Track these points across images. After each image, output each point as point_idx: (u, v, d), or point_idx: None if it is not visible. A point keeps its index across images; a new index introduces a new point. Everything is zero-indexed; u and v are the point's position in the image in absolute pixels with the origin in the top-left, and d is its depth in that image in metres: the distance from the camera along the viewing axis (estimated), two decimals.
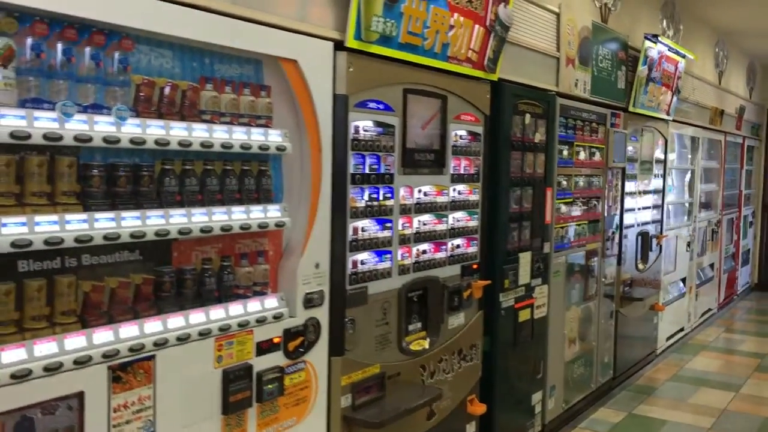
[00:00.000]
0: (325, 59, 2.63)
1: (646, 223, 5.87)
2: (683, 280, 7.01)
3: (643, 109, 5.58)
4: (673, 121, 6.39)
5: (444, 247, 3.36)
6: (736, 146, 9.04)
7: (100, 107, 1.96)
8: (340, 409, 2.75)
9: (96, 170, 1.98)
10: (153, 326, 2.09)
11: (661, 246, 6.14)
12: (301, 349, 2.56)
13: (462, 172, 3.47)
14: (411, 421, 3.06)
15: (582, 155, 4.67)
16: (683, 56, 6.11)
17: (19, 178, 1.81)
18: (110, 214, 1.97)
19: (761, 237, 9.98)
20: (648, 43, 5.37)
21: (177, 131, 2.14)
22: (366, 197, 2.86)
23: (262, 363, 2.41)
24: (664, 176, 6.24)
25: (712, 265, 7.99)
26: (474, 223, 3.56)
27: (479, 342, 3.64)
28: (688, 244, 7.08)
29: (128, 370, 2.00)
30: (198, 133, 2.19)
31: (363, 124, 2.83)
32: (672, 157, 6.67)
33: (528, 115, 3.98)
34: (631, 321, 5.59)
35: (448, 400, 3.39)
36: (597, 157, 4.89)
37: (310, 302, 2.59)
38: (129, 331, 2.03)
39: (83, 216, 1.90)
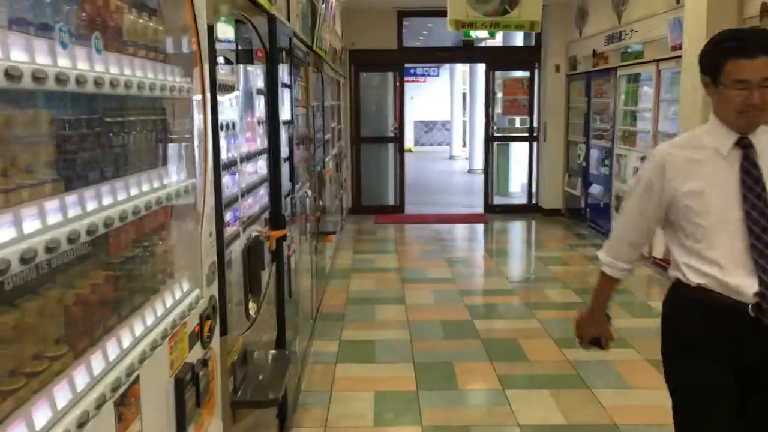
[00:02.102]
0: None
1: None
2: None
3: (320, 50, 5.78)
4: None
5: (258, 198, 3.08)
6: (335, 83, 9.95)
7: None
8: (228, 395, 2.39)
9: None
10: (127, 338, 1.52)
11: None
12: (209, 335, 2.14)
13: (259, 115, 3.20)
14: None
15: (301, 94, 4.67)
16: None
17: None
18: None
19: (352, 167, 11.27)
20: None
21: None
22: (227, 146, 2.46)
23: (193, 359, 1.95)
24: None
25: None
26: (264, 171, 3.32)
27: (274, 296, 3.47)
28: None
29: (126, 402, 1.44)
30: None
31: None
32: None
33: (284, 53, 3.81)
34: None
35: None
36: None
37: (210, 279, 2.16)
38: (113, 348, 1.45)
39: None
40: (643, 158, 7.79)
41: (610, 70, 8.80)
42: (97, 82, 1.38)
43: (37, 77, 1.17)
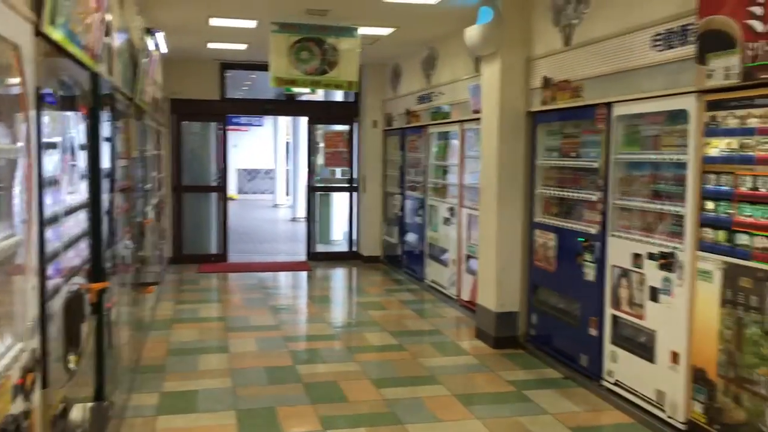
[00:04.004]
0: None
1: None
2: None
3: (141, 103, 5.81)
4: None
5: (79, 250, 3.10)
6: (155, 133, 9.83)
7: None
8: None
9: None
10: None
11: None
12: (32, 387, 2.17)
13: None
14: None
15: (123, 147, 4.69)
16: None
17: None
18: None
19: (173, 215, 11.09)
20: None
21: None
22: (50, 200, 2.51)
23: (16, 411, 1.98)
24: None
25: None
26: (85, 224, 3.35)
27: (93, 348, 3.46)
28: None
29: None
30: None
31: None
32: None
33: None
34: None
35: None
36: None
37: (32, 332, 2.20)
38: None
39: None
40: (451, 209, 8.50)
41: (422, 127, 9.53)
42: None
43: None
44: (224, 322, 7.48)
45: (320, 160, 12.19)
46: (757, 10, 3.69)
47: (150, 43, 5.70)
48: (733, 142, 3.95)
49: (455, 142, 8.51)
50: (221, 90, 11.23)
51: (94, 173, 3.44)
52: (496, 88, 6.47)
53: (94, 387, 3.47)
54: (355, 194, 12.01)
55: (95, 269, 3.45)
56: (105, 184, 3.66)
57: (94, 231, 3.43)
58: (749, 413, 3.83)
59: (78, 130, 3.18)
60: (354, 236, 12.09)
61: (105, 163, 3.69)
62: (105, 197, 3.65)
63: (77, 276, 3.06)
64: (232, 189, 26.00)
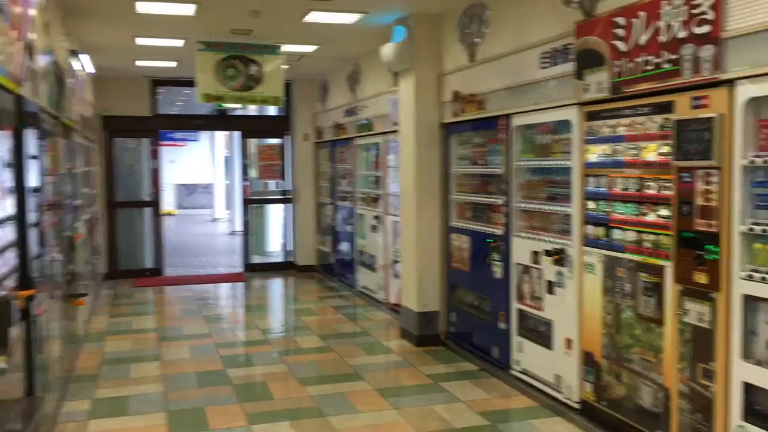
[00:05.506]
0: None
1: None
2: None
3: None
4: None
5: (6, 260, 3.35)
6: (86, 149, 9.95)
7: None
8: None
9: None
10: None
11: None
12: None
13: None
14: None
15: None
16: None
17: None
18: None
19: (107, 232, 11.18)
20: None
21: None
22: None
23: None
24: None
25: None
26: (13, 236, 3.59)
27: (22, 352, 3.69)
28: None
29: None
30: None
31: None
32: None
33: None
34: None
35: None
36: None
37: None
38: None
39: None
40: (377, 217, 8.89)
41: (349, 139, 9.92)
42: None
43: None
44: (158, 333, 7.68)
45: (254, 173, 12.45)
46: (620, 32, 4.20)
47: (76, 64, 5.91)
48: (607, 149, 4.44)
49: (378, 154, 8.92)
50: (152, 106, 11.40)
51: (19, 189, 3.69)
52: (411, 102, 6.90)
53: (24, 389, 3.70)
54: (289, 205, 12.30)
55: (23, 277, 3.69)
56: (32, 199, 3.90)
57: (20, 242, 3.67)
58: (628, 388, 4.31)
59: (2, 149, 3.43)
60: (289, 247, 12.37)
61: (31, 179, 3.93)
62: (31, 211, 3.90)
63: (4, 283, 3.31)
64: (170, 204, 25.91)
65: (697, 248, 3.64)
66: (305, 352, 6.89)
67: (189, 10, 6.51)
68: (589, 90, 4.52)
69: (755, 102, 3.36)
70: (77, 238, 6.71)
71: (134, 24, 7.16)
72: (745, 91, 3.37)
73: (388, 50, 6.91)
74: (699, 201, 3.62)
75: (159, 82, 11.40)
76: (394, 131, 7.90)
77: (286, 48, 8.25)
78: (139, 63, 9.63)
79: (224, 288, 10.94)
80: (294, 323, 8.47)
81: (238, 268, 12.20)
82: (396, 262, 8.22)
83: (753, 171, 3.39)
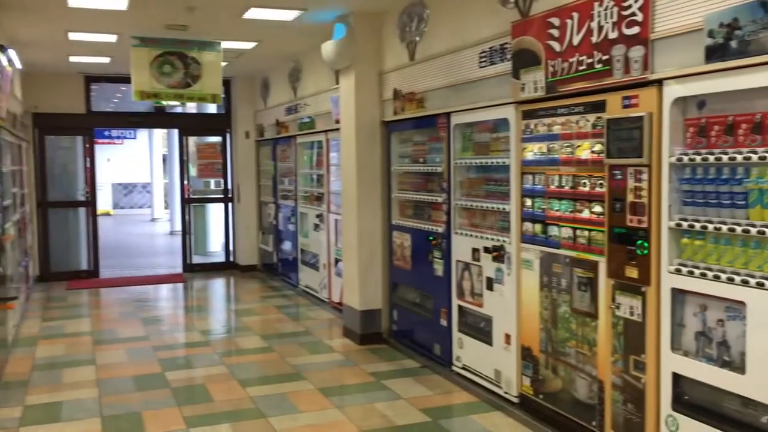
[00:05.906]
0: None
1: None
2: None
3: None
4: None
5: None
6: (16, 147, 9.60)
7: None
8: None
9: None
10: None
11: None
12: None
13: None
14: None
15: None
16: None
17: None
18: None
19: (39, 233, 10.81)
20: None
21: None
22: None
23: None
24: None
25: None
26: None
27: None
28: None
29: None
30: None
31: None
32: None
33: None
34: None
35: None
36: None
37: None
38: None
39: None
40: (319, 215, 8.85)
41: (291, 137, 9.84)
42: None
43: None
44: (93, 336, 7.46)
45: (194, 171, 12.22)
46: (555, 32, 4.27)
47: (3, 59, 5.69)
48: (543, 147, 4.52)
49: (320, 152, 8.88)
50: (86, 103, 11.07)
51: None
52: (352, 100, 6.89)
53: None
54: (230, 204, 12.13)
55: None
56: None
57: None
58: (564, 381, 4.40)
59: None
60: (231, 246, 12.20)
61: None
62: None
63: None
64: (107, 204, 25.26)
65: (628, 244, 3.74)
66: (246, 352, 6.80)
67: (122, 4, 6.34)
68: (525, 89, 4.59)
69: (682, 101, 3.47)
70: (6, 240, 6.47)
71: (67, 18, 6.94)
72: (673, 91, 3.47)
73: (328, 48, 6.88)
74: (630, 198, 3.71)
75: (93, 78, 11.08)
76: (336, 129, 7.88)
77: (224, 45, 8.12)
78: (72, 59, 9.34)
79: (163, 289, 10.72)
80: (235, 324, 8.36)
81: (178, 269, 11.96)
82: (338, 260, 8.20)
83: (680, 168, 3.50)
